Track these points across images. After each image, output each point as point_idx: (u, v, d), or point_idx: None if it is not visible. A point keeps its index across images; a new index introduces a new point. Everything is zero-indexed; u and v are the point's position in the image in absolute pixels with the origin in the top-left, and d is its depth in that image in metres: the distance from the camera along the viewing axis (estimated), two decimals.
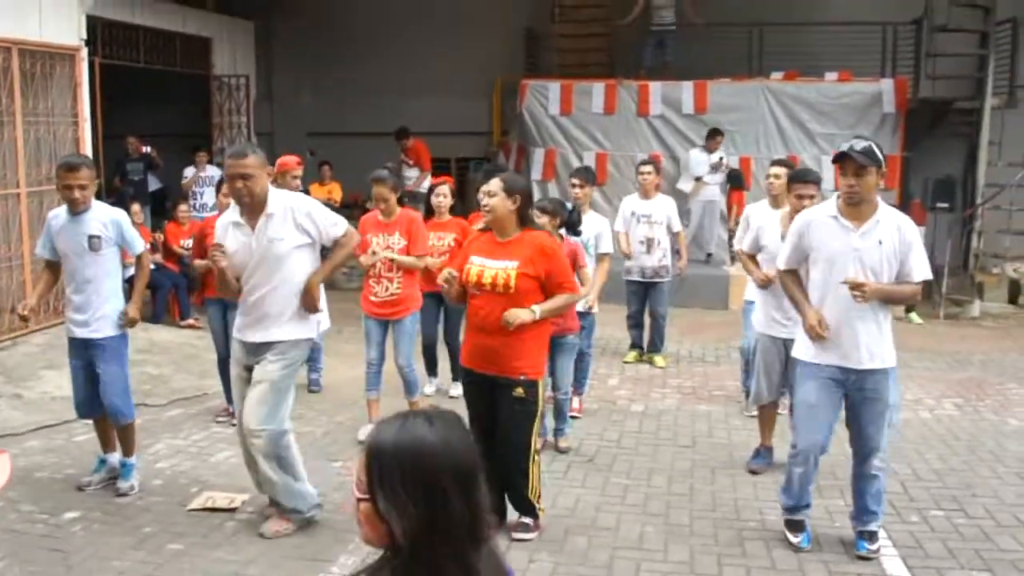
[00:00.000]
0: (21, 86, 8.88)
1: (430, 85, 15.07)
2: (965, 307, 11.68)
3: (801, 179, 5.85)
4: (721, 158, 12.55)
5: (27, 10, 9.03)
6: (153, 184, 13.74)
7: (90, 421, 5.81)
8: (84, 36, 9.85)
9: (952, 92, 13.10)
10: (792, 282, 4.82)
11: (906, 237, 4.53)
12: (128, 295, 5.64)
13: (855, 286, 4.40)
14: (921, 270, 4.56)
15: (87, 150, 9.61)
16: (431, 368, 7.67)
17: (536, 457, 4.94)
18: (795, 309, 4.88)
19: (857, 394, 4.63)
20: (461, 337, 6.97)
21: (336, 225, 4.96)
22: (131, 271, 5.98)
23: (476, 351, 4.88)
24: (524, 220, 4.91)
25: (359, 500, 1.71)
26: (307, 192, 7.41)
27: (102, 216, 5.40)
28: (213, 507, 5.30)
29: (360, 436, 6.47)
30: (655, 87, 13.34)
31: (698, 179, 12.59)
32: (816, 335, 4.54)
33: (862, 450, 4.72)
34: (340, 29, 15.66)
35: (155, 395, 7.55)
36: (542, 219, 5.80)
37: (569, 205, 6.46)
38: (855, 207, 4.53)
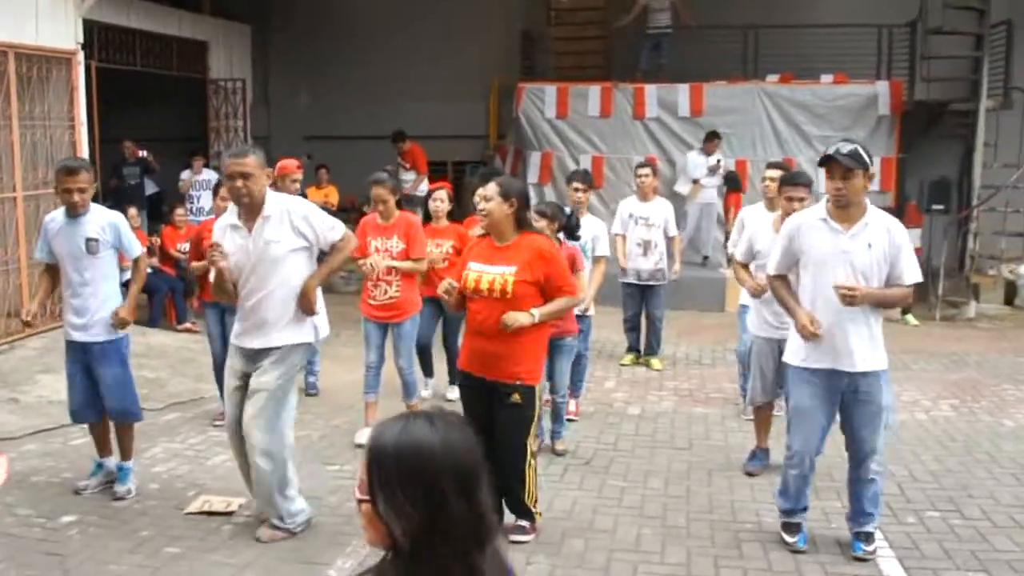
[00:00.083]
0: (18, 90, 8.89)
1: (426, 88, 15.09)
2: (961, 308, 11.71)
3: (791, 182, 5.86)
4: (719, 160, 12.57)
5: (24, 14, 9.04)
6: (149, 188, 13.77)
7: (85, 425, 5.80)
8: (80, 40, 9.85)
9: (947, 94, 13.13)
10: (782, 287, 4.82)
11: (896, 240, 4.54)
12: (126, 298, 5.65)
13: (846, 291, 4.41)
14: (912, 273, 4.57)
15: (84, 154, 9.61)
16: (427, 370, 7.67)
17: (532, 461, 4.94)
18: (785, 311, 4.87)
19: (850, 397, 4.64)
20: (459, 341, 7.02)
21: (333, 229, 4.95)
22: (129, 274, 5.98)
23: (475, 355, 4.88)
24: (522, 223, 4.90)
25: (360, 501, 1.71)
26: (304, 196, 7.41)
27: (100, 219, 5.40)
28: (210, 511, 5.29)
29: (357, 440, 6.47)
30: (651, 90, 13.36)
31: (695, 181, 12.61)
32: (810, 334, 4.53)
33: (858, 454, 4.72)
34: (336, 32, 15.67)
35: (152, 399, 7.54)
36: (540, 223, 5.80)
37: (567, 209, 6.46)
38: (844, 210, 4.55)
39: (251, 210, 4.83)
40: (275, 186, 5.81)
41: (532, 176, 13.52)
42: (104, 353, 5.43)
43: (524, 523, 4.95)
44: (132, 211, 10.46)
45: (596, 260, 7.11)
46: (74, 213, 5.34)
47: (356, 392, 7.22)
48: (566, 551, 4.86)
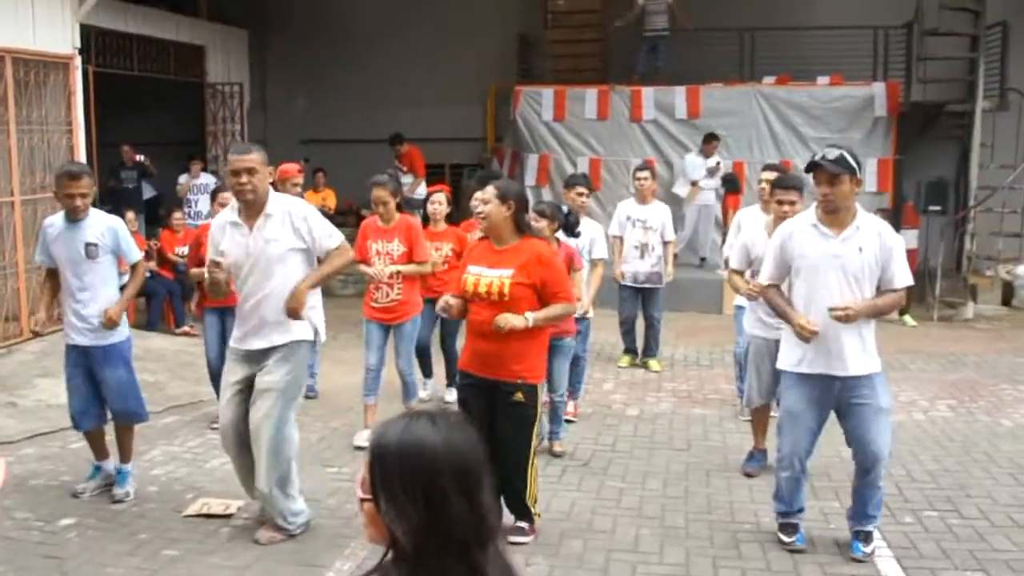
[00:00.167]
0: (15, 94, 8.89)
1: (424, 91, 15.10)
2: (959, 309, 11.72)
3: (781, 185, 5.88)
4: (718, 163, 12.59)
5: (21, 19, 9.04)
6: (147, 192, 13.77)
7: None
8: (78, 44, 9.86)
9: (943, 95, 13.16)
10: (776, 294, 4.80)
11: (887, 243, 4.55)
12: None
13: (840, 312, 4.42)
14: (903, 276, 4.58)
15: (81, 158, 9.61)
16: (426, 371, 7.68)
17: (534, 461, 4.95)
18: (781, 318, 4.84)
19: (845, 402, 4.63)
20: (457, 342, 7.04)
21: (331, 237, 4.93)
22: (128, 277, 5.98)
23: (476, 356, 4.89)
24: (521, 227, 4.90)
25: (362, 500, 1.71)
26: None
27: (99, 224, 5.40)
28: (208, 513, 5.29)
29: (356, 442, 6.47)
30: (648, 92, 13.39)
31: (694, 183, 12.63)
32: (809, 332, 4.52)
33: (865, 461, 4.66)
34: (333, 36, 15.69)
35: (150, 402, 7.47)
36: (540, 223, 5.81)
37: (565, 208, 6.47)
38: (833, 214, 4.56)
39: (253, 207, 4.82)
40: (276, 190, 5.81)
41: (530, 178, 13.54)
42: (106, 356, 5.43)
43: (523, 524, 4.95)
44: (130, 215, 10.47)
45: (594, 263, 7.11)
46: (75, 218, 5.34)
47: (355, 394, 7.23)
48: (565, 552, 4.87)
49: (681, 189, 12.82)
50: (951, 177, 13.21)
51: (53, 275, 5.56)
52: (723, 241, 11.17)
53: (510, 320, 4.67)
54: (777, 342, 5.14)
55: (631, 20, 13.59)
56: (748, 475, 6.02)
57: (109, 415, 5.66)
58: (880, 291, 4.60)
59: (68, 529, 5.09)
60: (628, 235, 8.57)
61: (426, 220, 7.27)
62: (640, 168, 8.92)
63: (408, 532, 1.64)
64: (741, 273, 6.02)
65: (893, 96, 12.93)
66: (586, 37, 14.61)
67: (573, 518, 5.33)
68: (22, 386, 7.65)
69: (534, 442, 4.91)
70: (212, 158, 14.62)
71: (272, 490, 4.86)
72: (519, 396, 4.77)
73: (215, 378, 6.91)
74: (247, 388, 4.93)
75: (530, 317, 4.72)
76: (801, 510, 4.94)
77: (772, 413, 6.24)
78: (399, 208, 6.63)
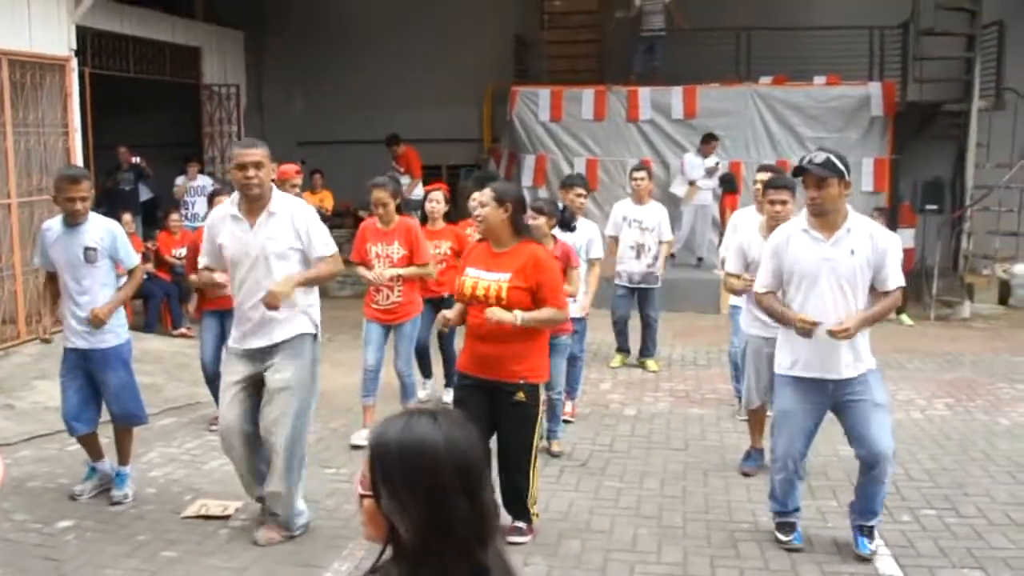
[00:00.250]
0: (11, 96, 8.89)
1: (420, 93, 15.11)
2: (955, 308, 11.74)
3: (772, 185, 5.90)
4: (717, 163, 12.60)
5: (16, 21, 9.03)
6: (144, 194, 13.75)
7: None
8: (74, 46, 9.85)
9: (940, 95, 13.18)
10: (771, 299, 4.78)
11: (879, 245, 4.55)
12: (125, 305, 5.65)
13: (839, 332, 4.42)
14: (896, 277, 4.59)
15: (78, 160, 9.61)
16: (425, 371, 7.68)
17: (536, 461, 4.96)
18: (780, 322, 4.80)
19: (841, 401, 4.63)
20: (455, 343, 7.04)
21: (326, 246, 4.91)
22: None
23: (475, 358, 4.88)
24: (519, 229, 4.89)
25: (362, 496, 1.71)
26: None
27: (98, 228, 5.39)
28: (207, 515, 5.30)
29: (354, 441, 6.48)
30: (644, 92, 13.40)
31: (691, 183, 12.64)
32: (810, 325, 4.48)
33: (868, 458, 4.63)
34: (331, 37, 15.68)
35: (148, 404, 7.45)
36: (539, 220, 5.81)
37: (560, 204, 6.48)
38: (823, 218, 4.56)
39: (256, 202, 4.81)
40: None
41: (527, 179, 13.55)
42: (106, 359, 5.43)
43: (521, 524, 4.95)
44: (127, 217, 10.47)
45: (591, 263, 7.11)
46: (73, 222, 5.33)
47: (353, 395, 7.24)
48: (563, 552, 4.87)
49: (679, 189, 12.83)
50: (947, 176, 13.23)
51: (53, 279, 5.54)
52: (720, 241, 11.20)
53: (502, 316, 4.66)
54: (774, 340, 5.13)
55: (632, 14, 13.59)
56: (745, 474, 6.02)
57: (103, 417, 5.65)
58: (873, 293, 4.61)
59: (66, 531, 5.09)
60: (624, 235, 8.57)
61: (424, 219, 7.28)
62: (636, 168, 8.91)
63: (409, 530, 1.64)
64: (738, 277, 6.02)
65: (889, 96, 12.95)
66: (582, 38, 14.62)
67: (571, 518, 5.33)
68: (19, 388, 7.65)
69: (536, 442, 4.92)
70: (209, 160, 14.62)
71: (289, 489, 4.89)
72: (521, 396, 4.77)
73: (210, 381, 6.92)
74: (250, 386, 4.93)
75: (519, 316, 4.69)
76: (797, 509, 4.95)
77: (770, 413, 6.25)
78: (399, 210, 6.63)
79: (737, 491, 5.76)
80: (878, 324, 4.70)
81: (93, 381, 5.48)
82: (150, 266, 10.56)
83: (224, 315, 6.34)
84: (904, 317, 11.00)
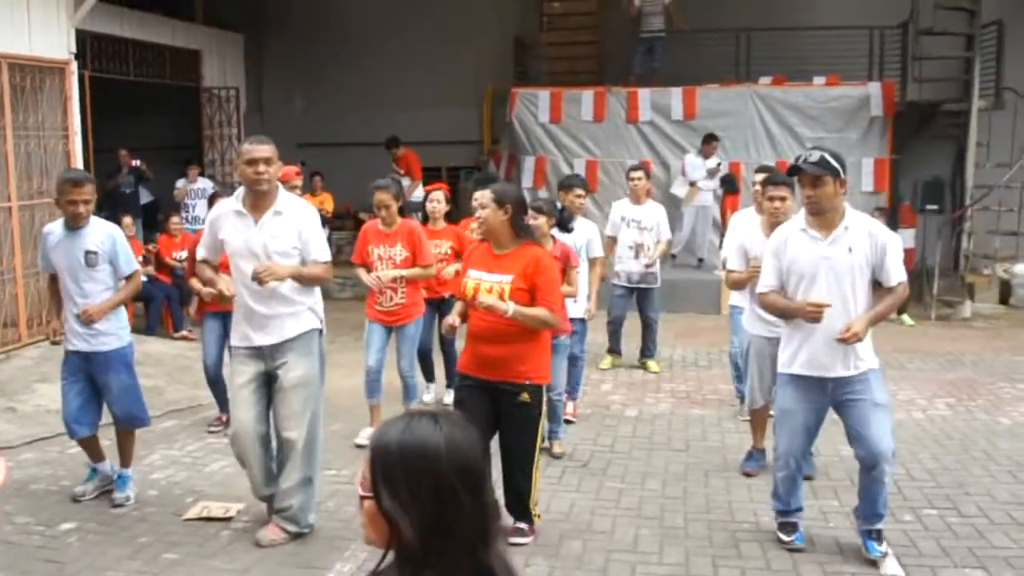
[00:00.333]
0: (11, 100, 8.89)
1: (420, 95, 15.12)
2: (956, 308, 11.74)
3: (770, 182, 5.91)
4: (719, 163, 12.60)
5: (16, 24, 9.04)
6: (145, 197, 13.76)
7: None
8: (73, 50, 9.86)
9: (939, 95, 13.19)
10: (775, 297, 4.76)
11: (879, 242, 4.55)
12: (125, 306, 5.65)
13: (848, 336, 4.42)
14: (898, 272, 4.59)
15: (78, 163, 9.61)
16: (428, 375, 7.68)
17: (538, 462, 4.96)
18: (786, 317, 4.77)
19: (841, 400, 4.63)
20: (457, 344, 7.04)
21: (322, 252, 4.94)
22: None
23: (476, 359, 4.87)
24: (519, 231, 4.88)
25: (362, 498, 1.70)
26: None
27: (99, 232, 5.39)
28: (208, 517, 5.30)
29: (359, 440, 6.51)
30: (644, 93, 13.40)
31: (692, 184, 12.64)
32: (816, 307, 4.45)
33: (867, 459, 4.63)
34: (330, 40, 15.69)
35: (150, 407, 7.50)
36: (539, 220, 5.81)
37: (559, 204, 6.49)
38: (821, 216, 4.57)
39: (264, 200, 4.82)
40: None
41: (527, 180, 13.55)
42: (108, 361, 5.43)
43: (523, 525, 4.95)
44: (127, 220, 10.47)
45: (592, 262, 7.11)
46: (75, 225, 5.33)
47: (353, 397, 7.24)
48: (564, 553, 4.87)
49: (679, 190, 12.83)
50: (947, 176, 13.24)
51: (56, 281, 5.55)
52: (721, 243, 11.20)
53: (495, 303, 4.65)
54: (778, 340, 5.12)
55: (631, 13, 13.58)
56: (747, 475, 6.02)
57: (103, 419, 5.65)
58: (877, 291, 4.61)
59: (68, 533, 5.09)
60: (623, 235, 8.56)
61: (425, 219, 7.29)
62: (634, 168, 8.90)
63: (411, 531, 1.63)
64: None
65: (889, 96, 12.96)
66: (582, 39, 14.62)
67: (573, 519, 5.33)
68: (21, 391, 7.65)
69: (539, 443, 4.92)
70: (209, 163, 14.63)
71: (309, 478, 4.95)
72: (525, 396, 4.77)
73: (212, 383, 6.93)
74: (261, 386, 4.96)
75: (511, 307, 4.68)
76: (799, 509, 4.95)
77: (772, 413, 6.25)
78: (401, 212, 6.64)
79: (739, 491, 5.76)
80: (879, 324, 4.69)
81: (94, 384, 5.49)
82: (151, 269, 10.57)
83: (226, 316, 6.33)
84: (905, 317, 11.00)
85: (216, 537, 5.05)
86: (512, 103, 13.74)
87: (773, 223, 5.45)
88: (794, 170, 4.59)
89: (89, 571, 4.64)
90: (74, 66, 9.87)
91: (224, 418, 6.92)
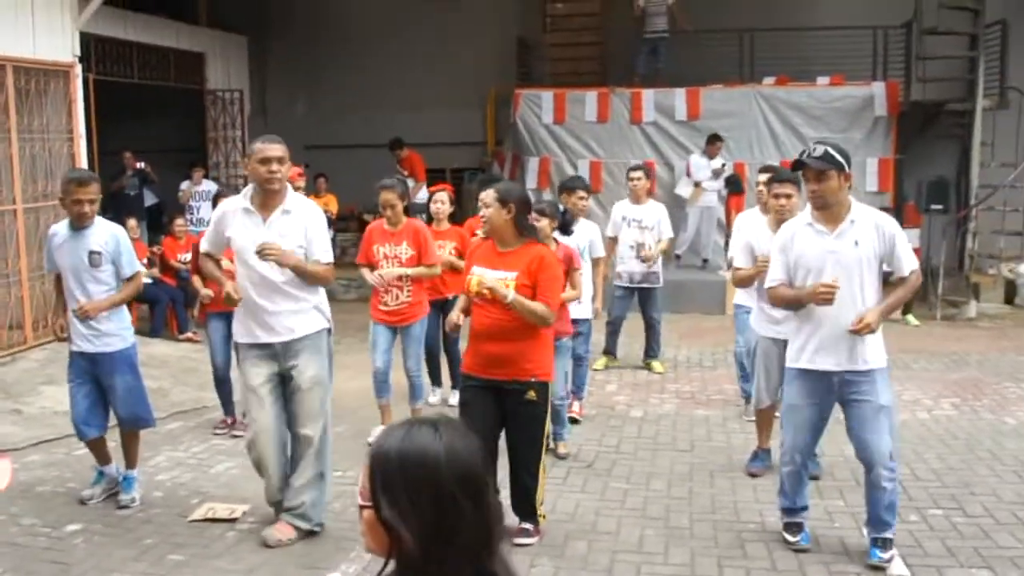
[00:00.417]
0: (16, 103, 8.92)
1: (424, 96, 15.13)
2: (961, 308, 11.72)
3: (776, 179, 5.91)
4: (724, 164, 12.59)
5: (21, 28, 9.07)
6: (149, 199, 13.78)
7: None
8: (78, 53, 9.90)
9: (943, 94, 13.18)
10: (783, 290, 4.74)
11: (887, 232, 4.54)
12: (129, 308, 5.66)
13: (861, 327, 4.42)
14: (910, 261, 4.60)
15: (83, 166, 9.63)
16: (434, 378, 7.68)
17: (544, 460, 4.96)
18: (797, 306, 4.73)
19: (846, 398, 4.63)
20: (461, 345, 7.04)
21: (326, 253, 4.96)
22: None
23: (480, 358, 4.87)
24: (523, 230, 4.89)
25: (362, 507, 1.70)
26: None
27: (103, 232, 5.40)
28: (214, 518, 5.30)
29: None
30: (648, 94, 13.40)
31: (697, 185, 12.64)
32: (825, 287, 4.42)
33: (865, 461, 4.65)
34: (333, 42, 15.70)
35: (155, 408, 7.52)
36: (542, 222, 5.81)
37: (561, 207, 6.49)
38: (826, 211, 4.57)
39: (274, 199, 4.84)
40: None
41: (531, 181, 13.55)
42: (113, 362, 5.44)
43: (528, 526, 4.95)
44: (132, 222, 10.48)
45: (595, 262, 7.11)
46: (80, 225, 5.34)
47: (358, 398, 7.25)
48: (570, 553, 4.87)
49: (684, 190, 12.83)
50: (952, 176, 13.22)
51: (61, 281, 5.56)
52: (726, 243, 11.20)
53: (496, 287, 4.66)
54: (785, 342, 5.12)
55: (637, 10, 13.59)
56: (752, 475, 6.02)
57: (110, 421, 5.66)
58: (888, 282, 4.61)
59: (74, 535, 5.10)
60: (624, 235, 8.55)
61: (429, 219, 7.29)
62: (633, 168, 8.89)
63: (410, 539, 1.62)
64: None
65: (893, 96, 12.94)
66: (585, 40, 14.62)
67: (578, 519, 5.33)
68: (27, 393, 7.67)
69: (545, 441, 4.92)
70: (213, 165, 14.65)
71: (323, 473, 5.04)
72: (531, 395, 4.77)
73: (221, 383, 6.93)
74: (276, 386, 4.99)
75: (511, 294, 4.68)
76: (805, 508, 4.94)
77: (777, 413, 6.24)
78: (407, 212, 6.65)
79: (744, 492, 5.75)
80: (884, 324, 4.68)
81: (101, 385, 5.50)
82: (155, 271, 10.59)
83: (229, 316, 6.34)
84: (910, 317, 10.98)
85: (222, 538, 5.05)
86: (516, 104, 13.74)
87: (779, 221, 5.45)
88: (798, 164, 4.59)
89: (95, 572, 4.65)
90: (78, 69, 9.90)
91: (229, 421, 6.93)
